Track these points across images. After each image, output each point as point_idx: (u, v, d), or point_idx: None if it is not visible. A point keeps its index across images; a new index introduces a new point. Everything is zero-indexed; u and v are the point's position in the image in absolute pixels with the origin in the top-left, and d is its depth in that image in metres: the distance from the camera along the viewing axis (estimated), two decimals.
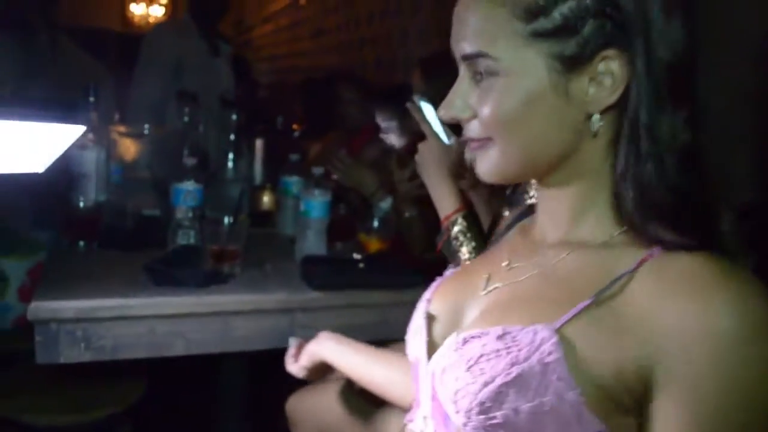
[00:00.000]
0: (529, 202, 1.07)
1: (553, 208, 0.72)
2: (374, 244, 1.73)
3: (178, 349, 1.40)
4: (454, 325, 0.75)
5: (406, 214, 1.79)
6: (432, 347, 0.74)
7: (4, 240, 1.96)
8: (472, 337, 0.66)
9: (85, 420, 1.64)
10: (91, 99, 1.65)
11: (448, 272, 0.88)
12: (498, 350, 0.62)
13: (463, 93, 0.68)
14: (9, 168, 0.80)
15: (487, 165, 0.69)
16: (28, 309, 1.27)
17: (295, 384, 1.83)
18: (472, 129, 0.69)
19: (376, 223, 1.76)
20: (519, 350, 0.60)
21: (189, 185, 1.61)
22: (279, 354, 1.59)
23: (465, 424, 0.63)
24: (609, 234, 0.66)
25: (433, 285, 0.85)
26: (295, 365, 1.19)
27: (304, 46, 5.33)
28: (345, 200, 2.00)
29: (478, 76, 0.67)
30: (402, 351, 1.13)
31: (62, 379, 1.67)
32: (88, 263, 1.56)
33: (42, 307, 1.28)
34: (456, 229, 1.25)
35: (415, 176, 1.72)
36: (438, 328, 0.77)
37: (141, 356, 1.38)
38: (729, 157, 1.37)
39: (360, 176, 2.05)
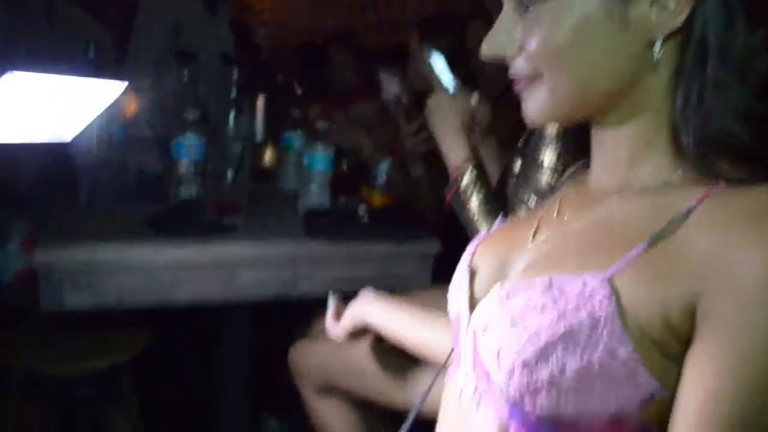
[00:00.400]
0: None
1: (608, 152, 0.66)
2: (378, 199, 1.73)
3: (182, 299, 1.41)
4: (499, 278, 0.69)
5: (413, 173, 1.79)
6: (474, 302, 0.69)
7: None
8: (518, 290, 0.61)
9: (90, 369, 1.66)
10: (91, 55, 1.63)
11: (496, 225, 0.84)
12: (544, 304, 0.57)
13: (507, 27, 0.62)
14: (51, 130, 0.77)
15: (537, 105, 0.63)
16: (32, 256, 1.27)
17: (298, 335, 1.86)
18: (519, 66, 0.63)
19: (379, 179, 1.76)
20: (567, 303, 0.56)
21: (191, 139, 1.60)
22: (282, 305, 1.61)
23: (507, 385, 0.59)
24: (674, 170, 0.61)
25: (478, 237, 0.80)
26: (337, 328, 1.13)
27: (304, 10, 5.27)
28: (347, 158, 2.00)
29: (522, 8, 0.61)
30: (424, 302, 1.13)
31: (67, 330, 1.68)
32: (89, 216, 1.56)
33: (46, 255, 1.28)
34: (465, 180, 1.24)
35: (421, 130, 1.72)
36: (481, 282, 0.72)
37: (144, 305, 1.39)
38: None
39: (357, 139, 2.06)
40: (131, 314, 1.57)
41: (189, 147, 1.59)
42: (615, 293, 0.54)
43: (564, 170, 0.86)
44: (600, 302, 0.54)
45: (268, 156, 2.02)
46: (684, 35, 0.58)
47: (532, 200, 1.15)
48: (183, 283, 1.40)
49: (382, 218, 1.63)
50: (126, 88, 1.96)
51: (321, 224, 1.53)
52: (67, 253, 1.29)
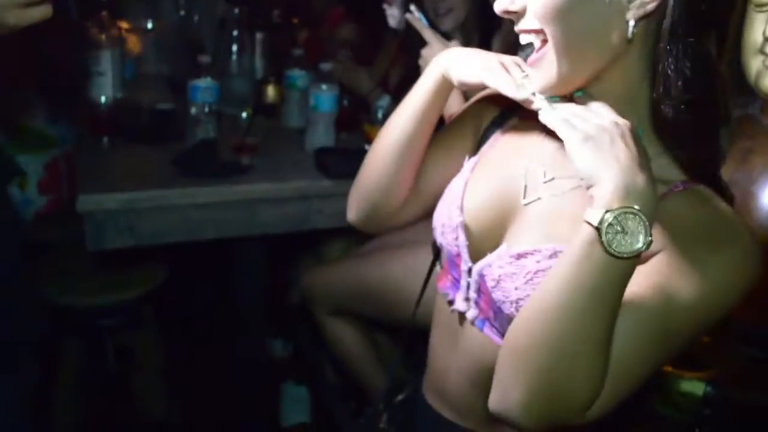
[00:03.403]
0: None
1: None
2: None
3: (210, 234, 1.56)
4: (497, 231, 0.81)
5: None
6: (473, 249, 0.82)
7: (19, 136, 2.04)
8: (526, 253, 0.74)
9: (115, 301, 1.81)
10: None
11: (467, 166, 0.89)
12: (551, 266, 0.69)
13: None
14: None
15: (546, 73, 0.72)
16: (77, 202, 1.40)
17: (307, 263, 2.02)
18: (525, 21, 0.72)
19: (379, 114, 1.88)
20: None
21: (206, 82, 1.69)
22: (297, 237, 1.75)
23: None
24: (647, 149, 0.70)
25: (458, 187, 0.87)
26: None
27: None
28: (347, 95, 2.09)
29: None
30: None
31: (88, 266, 1.81)
32: (116, 157, 1.68)
33: (88, 200, 1.41)
34: None
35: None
36: (477, 233, 0.83)
37: (178, 240, 1.54)
38: None
39: (356, 76, 2.14)
40: (147, 250, 1.68)
41: (204, 90, 1.69)
42: None
43: None
44: None
45: (271, 93, 2.10)
46: (654, 25, 0.69)
47: None
48: (210, 219, 1.54)
49: None
50: (130, 26, 2.02)
51: (333, 162, 1.66)
52: (107, 198, 1.42)
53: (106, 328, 1.94)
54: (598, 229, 0.61)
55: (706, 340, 1.22)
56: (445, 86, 0.87)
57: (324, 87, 1.78)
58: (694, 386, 1.08)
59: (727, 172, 1.13)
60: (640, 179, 0.62)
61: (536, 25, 0.71)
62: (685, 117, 0.69)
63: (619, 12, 0.68)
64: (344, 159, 1.69)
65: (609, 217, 0.61)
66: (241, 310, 1.91)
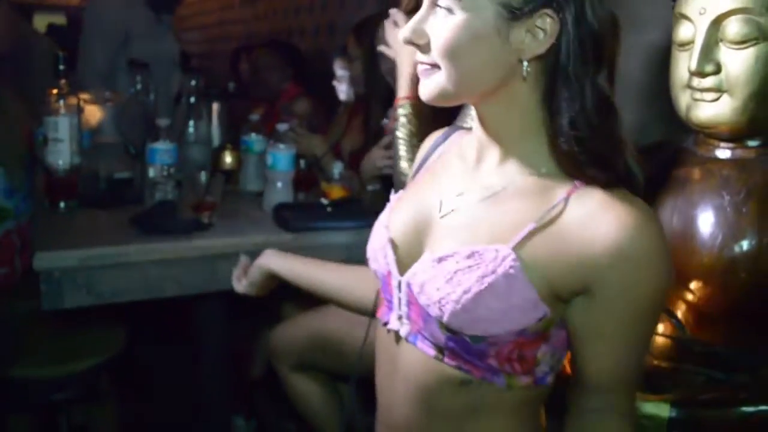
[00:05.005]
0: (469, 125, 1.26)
1: (493, 136, 0.84)
2: (337, 192, 1.89)
3: (170, 291, 1.55)
4: (418, 245, 0.88)
5: (369, 187, 1.95)
6: (401, 265, 0.88)
7: None
8: (446, 256, 0.80)
9: (68, 371, 1.71)
10: (61, 68, 1.73)
11: (394, 197, 0.99)
12: (470, 266, 0.77)
13: (423, 22, 0.80)
14: None
15: (430, 88, 0.81)
16: (33, 259, 1.38)
17: (275, 322, 1.99)
18: (424, 54, 0.81)
19: (336, 174, 1.93)
20: (486, 265, 0.77)
21: (164, 144, 1.72)
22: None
23: (449, 323, 0.79)
24: (543, 166, 0.81)
25: (386, 211, 0.97)
26: (242, 283, 1.27)
27: (235, 14, 5.34)
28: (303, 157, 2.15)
29: (438, 10, 0.78)
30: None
31: (40, 335, 1.75)
32: (73, 220, 1.67)
33: (45, 257, 1.40)
34: (401, 112, 1.48)
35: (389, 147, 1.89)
36: (403, 249, 0.89)
37: (137, 299, 1.52)
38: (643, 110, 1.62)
39: (309, 142, 2.24)
40: (105, 311, 1.64)
41: (163, 152, 1.71)
42: (519, 257, 0.77)
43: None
44: (510, 265, 0.76)
45: (228, 158, 2.14)
46: (546, 62, 0.77)
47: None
48: (171, 276, 1.53)
49: (343, 208, 1.80)
50: (88, 98, 2.06)
51: (292, 216, 1.69)
52: (65, 255, 1.41)
53: (60, 403, 1.85)
54: None
55: (666, 366, 1.25)
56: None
57: (281, 146, 1.83)
58: (660, 408, 1.10)
59: (668, 201, 1.21)
60: None
61: (434, 60, 0.80)
62: (580, 149, 0.76)
63: (513, 53, 0.77)
64: (303, 213, 1.73)
65: None
66: (204, 384, 1.86)
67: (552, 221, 0.77)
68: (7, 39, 1.60)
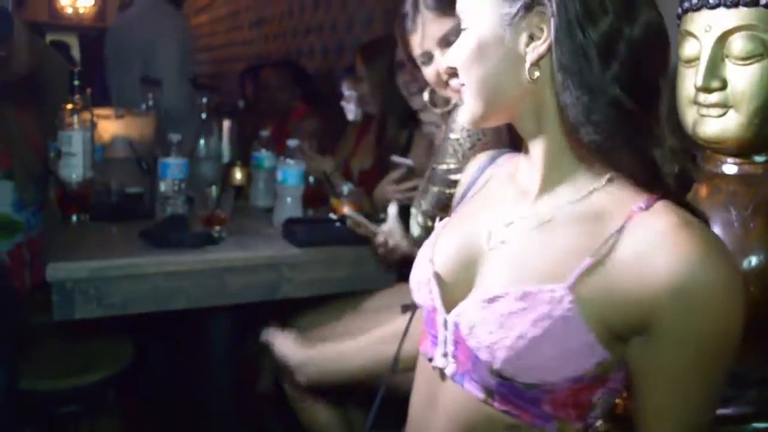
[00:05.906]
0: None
1: (535, 156, 0.81)
2: (347, 208, 1.90)
3: (180, 304, 1.56)
4: (466, 280, 0.84)
5: (381, 215, 1.96)
6: (447, 300, 0.84)
7: None
8: (497, 297, 0.75)
9: (76, 384, 1.72)
10: (76, 83, 1.76)
11: (439, 225, 0.95)
12: (524, 308, 0.72)
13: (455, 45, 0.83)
14: None
15: (464, 113, 0.83)
16: (45, 270, 1.39)
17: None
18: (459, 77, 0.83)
19: (345, 190, 1.94)
20: (542, 308, 0.71)
21: (176, 159, 1.75)
22: (267, 306, 1.75)
23: (502, 369, 0.74)
24: (589, 185, 0.77)
25: (430, 240, 0.92)
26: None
27: (245, 35, 5.41)
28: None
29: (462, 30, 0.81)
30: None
31: (48, 349, 1.76)
32: (85, 232, 1.69)
33: (58, 268, 1.41)
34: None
35: (402, 180, 1.92)
36: (450, 283, 0.85)
37: (147, 310, 1.53)
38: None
39: (318, 161, 2.25)
40: (113, 325, 1.66)
41: (174, 167, 1.74)
42: (576, 297, 0.71)
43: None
44: (567, 307, 0.71)
45: (239, 174, 2.16)
46: (552, 61, 0.74)
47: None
48: (181, 288, 1.55)
49: None
50: (105, 114, 2.09)
51: (301, 231, 1.70)
52: (77, 266, 1.42)
53: (67, 416, 1.85)
54: None
55: None
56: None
57: (291, 162, 1.85)
58: None
59: None
60: None
61: (462, 79, 0.82)
62: (594, 141, 0.73)
63: (518, 58, 0.77)
64: (312, 228, 1.74)
65: None
66: (211, 398, 1.85)
67: (609, 254, 0.72)
68: (27, 64, 1.64)
